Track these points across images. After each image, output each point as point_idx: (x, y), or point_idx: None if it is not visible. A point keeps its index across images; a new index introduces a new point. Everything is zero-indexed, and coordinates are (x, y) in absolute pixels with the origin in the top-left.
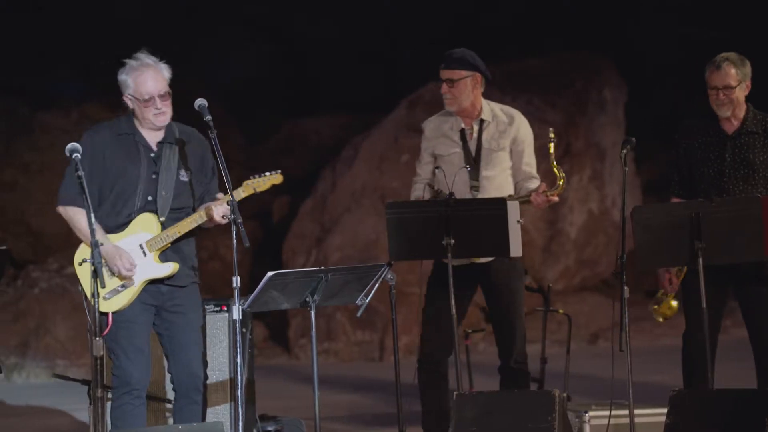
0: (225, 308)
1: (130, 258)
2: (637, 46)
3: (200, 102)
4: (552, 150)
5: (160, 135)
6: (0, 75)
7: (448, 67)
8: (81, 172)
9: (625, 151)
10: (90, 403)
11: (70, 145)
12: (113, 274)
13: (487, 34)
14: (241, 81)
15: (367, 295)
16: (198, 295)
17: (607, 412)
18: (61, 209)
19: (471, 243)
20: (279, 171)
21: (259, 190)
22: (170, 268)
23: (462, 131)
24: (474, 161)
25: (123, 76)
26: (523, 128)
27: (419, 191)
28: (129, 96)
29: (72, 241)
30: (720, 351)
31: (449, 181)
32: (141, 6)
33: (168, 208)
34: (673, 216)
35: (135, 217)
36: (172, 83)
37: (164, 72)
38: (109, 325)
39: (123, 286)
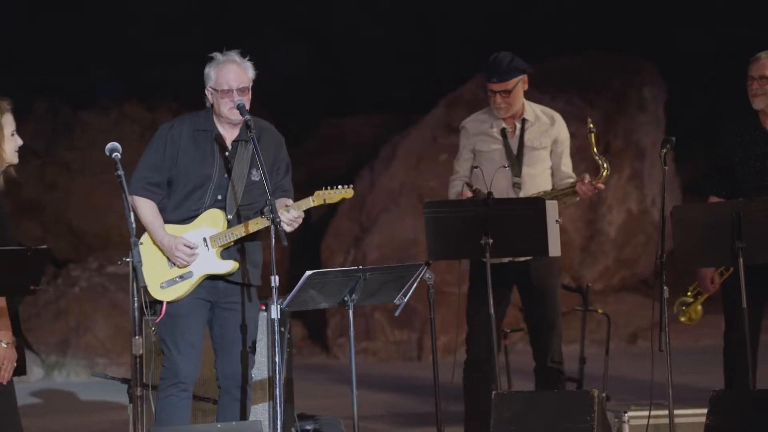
0: (263, 307)
1: (189, 243)
2: (679, 45)
3: (239, 101)
4: (593, 139)
5: (235, 132)
6: (40, 74)
7: (504, 80)
8: (121, 172)
9: (665, 151)
10: (129, 402)
11: (110, 145)
12: (173, 264)
13: (525, 33)
14: (280, 80)
15: (405, 295)
16: (254, 294)
17: (646, 413)
18: (130, 198)
19: (509, 242)
20: (351, 186)
21: (329, 201)
22: (230, 266)
23: (503, 129)
24: (516, 159)
25: (207, 69)
26: (563, 130)
27: (458, 188)
28: (209, 88)
29: (112, 240)
30: (764, 351)
31: (488, 179)
32: (181, 6)
33: (236, 206)
34: (714, 215)
35: (202, 212)
36: None
37: (248, 69)
38: (162, 314)
39: (181, 277)
